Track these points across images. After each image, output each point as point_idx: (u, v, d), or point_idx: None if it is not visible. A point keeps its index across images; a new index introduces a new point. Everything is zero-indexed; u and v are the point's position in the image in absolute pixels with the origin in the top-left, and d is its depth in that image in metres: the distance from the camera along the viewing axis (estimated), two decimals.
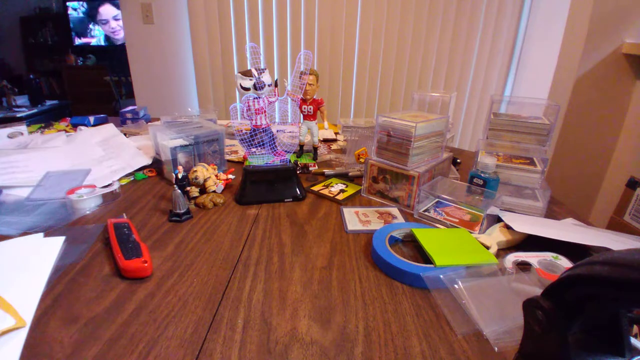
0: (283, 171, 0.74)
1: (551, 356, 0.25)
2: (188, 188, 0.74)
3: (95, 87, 3.78)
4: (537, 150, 0.78)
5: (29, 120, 2.74)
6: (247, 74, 0.70)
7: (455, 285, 0.47)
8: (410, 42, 1.99)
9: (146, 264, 0.49)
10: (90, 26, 3.87)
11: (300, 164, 0.91)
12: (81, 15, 3.83)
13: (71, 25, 3.84)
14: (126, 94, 3.47)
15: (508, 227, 0.61)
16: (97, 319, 0.42)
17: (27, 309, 0.43)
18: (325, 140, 1.19)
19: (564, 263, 0.53)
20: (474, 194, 0.72)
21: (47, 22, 3.91)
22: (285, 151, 0.77)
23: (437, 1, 1.91)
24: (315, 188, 0.80)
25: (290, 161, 0.76)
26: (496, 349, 0.39)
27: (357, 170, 0.88)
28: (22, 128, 0.99)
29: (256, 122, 0.74)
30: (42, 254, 0.53)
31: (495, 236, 0.60)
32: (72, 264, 0.52)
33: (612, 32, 1.59)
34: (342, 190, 0.80)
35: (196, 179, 0.73)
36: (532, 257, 0.54)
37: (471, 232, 0.61)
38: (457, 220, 0.67)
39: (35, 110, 2.93)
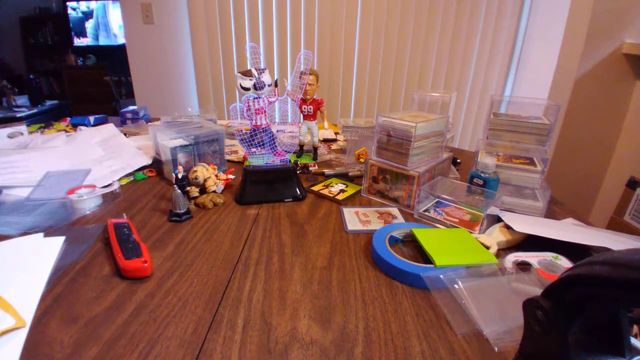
0: (283, 171, 0.74)
1: (551, 356, 0.25)
2: (188, 188, 0.74)
3: (95, 87, 3.78)
4: (537, 150, 0.78)
5: (29, 120, 2.74)
6: (247, 74, 0.70)
7: (455, 285, 0.47)
8: (410, 42, 1.99)
9: (146, 264, 0.49)
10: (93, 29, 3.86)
11: (300, 164, 0.91)
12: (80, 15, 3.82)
13: (71, 25, 3.83)
14: (126, 94, 3.46)
15: (508, 227, 0.61)
16: (97, 319, 0.42)
17: (27, 309, 0.43)
18: (325, 140, 1.19)
19: (564, 263, 0.53)
20: (474, 194, 0.72)
21: (47, 22, 3.91)
22: (285, 151, 0.77)
23: (437, 1, 1.91)
24: (315, 188, 0.80)
25: (290, 161, 0.76)
26: (496, 349, 0.39)
27: (357, 170, 0.88)
28: (22, 128, 0.99)
29: (256, 122, 0.74)
30: (42, 254, 0.53)
31: (495, 236, 0.60)
32: (72, 264, 0.52)
33: (612, 32, 1.59)
34: (342, 190, 0.80)
35: (196, 179, 0.73)
36: (532, 257, 0.54)
37: (471, 232, 0.61)
38: (457, 220, 0.67)
39: (35, 110, 2.93)
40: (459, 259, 0.52)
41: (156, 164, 0.90)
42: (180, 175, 0.72)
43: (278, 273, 0.52)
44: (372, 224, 0.66)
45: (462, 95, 2.09)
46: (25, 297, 0.44)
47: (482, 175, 0.71)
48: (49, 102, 3.19)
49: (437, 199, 0.74)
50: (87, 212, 0.68)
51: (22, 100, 3.05)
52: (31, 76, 3.34)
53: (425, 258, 0.54)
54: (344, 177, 0.88)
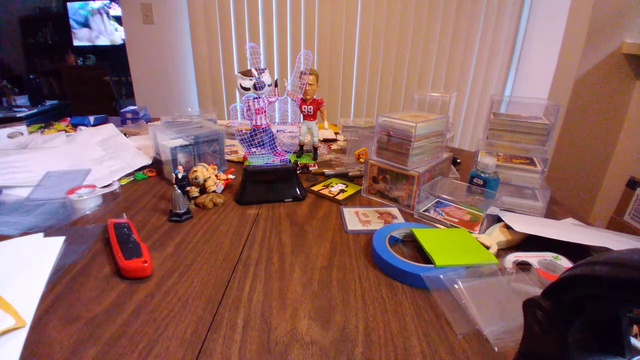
0: (283, 171, 0.74)
1: (551, 356, 0.25)
2: (188, 188, 0.74)
3: (95, 87, 3.78)
4: (537, 150, 0.78)
5: (29, 120, 2.75)
6: (247, 74, 0.70)
7: (455, 285, 0.47)
8: (410, 42, 1.99)
9: (146, 264, 0.49)
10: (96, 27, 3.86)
11: (300, 164, 0.91)
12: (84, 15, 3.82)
13: (71, 25, 3.83)
14: (126, 94, 3.46)
15: (508, 227, 0.61)
16: (97, 319, 0.42)
17: (27, 309, 0.43)
18: (325, 140, 1.19)
19: (564, 263, 0.53)
20: (474, 194, 0.72)
21: (47, 22, 3.91)
22: (285, 151, 0.77)
23: (437, 1, 1.91)
24: (315, 188, 0.80)
25: (290, 161, 0.76)
26: (496, 349, 0.39)
27: (357, 170, 0.88)
28: (22, 128, 0.99)
29: (256, 122, 0.74)
30: (42, 254, 0.53)
31: (495, 236, 0.60)
32: (72, 264, 0.52)
33: (612, 32, 1.59)
34: (342, 190, 0.80)
35: (196, 179, 0.73)
36: (532, 257, 0.54)
37: (471, 232, 0.61)
38: (457, 220, 0.67)
39: (35, 110, 2.94)
40: (459, 259, 0.52)
41: (156, 164, 0.90)
42: (180, 175, 0.72)
43: (278, 273, 0.52)
44: (372, 224, 0.66)
45: (462, 95, 2.09)
46: (25, 297, 0.44)
47: (482, 175, 0.71)
48: (49, 102, 3.19)
49: (437, 199, 0.74)
50: (87, 212, 0.68)
51: (22, 100, 3.05)
52: (31, 76, 3.35)
53: (425, 258, 0.54)
54: (344, 177, 0.88)
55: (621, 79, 1.65)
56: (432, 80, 2.08)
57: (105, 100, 3.69)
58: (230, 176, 0.81)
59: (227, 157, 0.98)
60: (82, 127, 1.05)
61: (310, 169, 0.91)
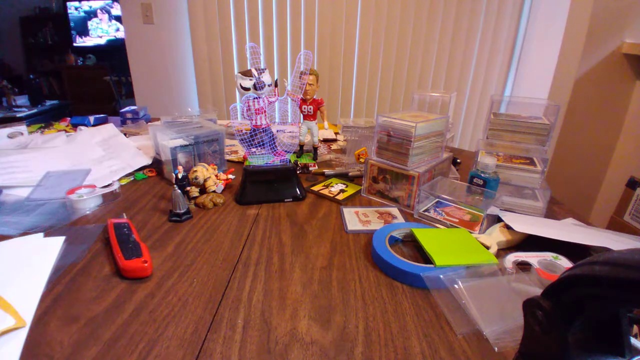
0: (283, 171, 0.74)
1: (551, 356, 0.25)
2: (188, 188, 0.74)
3: (95, 87, 3.78)
4: (537, 150, 0.78)
5: (29, 120, 2.74)
6: (247, 74, 0.70)
7: (455, 285, 0.47)
8: (410, 42, 1.99)
9: (146, 264, 0.49)
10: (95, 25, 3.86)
11: (300, 164, 0.91)
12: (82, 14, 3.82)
13: (71, 24, 3.83)
14: (126, 94, 3.46)
15: (508, 227, 0.61)
16: (97, 319, 0.42)
17: (27, 309, 0.43)
18: (325, 140, 1.19)
19: (564, 263, 0.53)
20: (474, 194, 0.72)
21: (47, 22, 3.91)
22: (285, 151, 0.77)
23: (437, 1, 1.91)
24: (315, 188, 0.80)
25: (290, 161, 0.76)
26: (496, 349, 0.39)
27: (357, 170, 0.88)
28: (22, 128, 0.99)
29: (256, 122, 0.74)
30: (42, 254, 0.53)
31: (495, 236, 0.60)
32: (72, 264, 0.52)
33: (612, 32, 1.59)
34: (342, 190, 0.80)
35: (196, 179, 0.73)
36: (532, 257, 0.54)
37: (471, 232, 0.61)
38: (457, 220, 0.67)
39: (35, 110, 2.94)
40: (459, 259, 0.52)
41: (156, 164, 0.90)
42: (180, 175, 0.72)
43: (278, 273, 0.52)
44: (372, 224, 0.66)
45: (462, 95, 2.09)
46: (25, 297, 0.44)
47: (482, 175, 0.71)
48: (49, 102, 3.19)
49: (437, 199, 0.74)
50: (87, 212, 0.68)
51: (22, 100, 3.05)
52: (31, 76, 3.35)
53: (425, 258, 0.54)
54: (344, 177, 0.88)
55: (621, 79, 1.65)
56: (432, 80, 2.08)
57: (105, 100, 3.69)
58: (230, 176, 0.81)
59: (227, 157, 0.98)
60: (82, 127, 1.05)
61: (310, 169, 0.91)
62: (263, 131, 0.74)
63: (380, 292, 0.48)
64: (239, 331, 0.41)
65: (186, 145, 0.81)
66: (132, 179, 0.84)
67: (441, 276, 0.48)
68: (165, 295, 0.46)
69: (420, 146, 0.71)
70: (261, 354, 0.38)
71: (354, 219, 0.68)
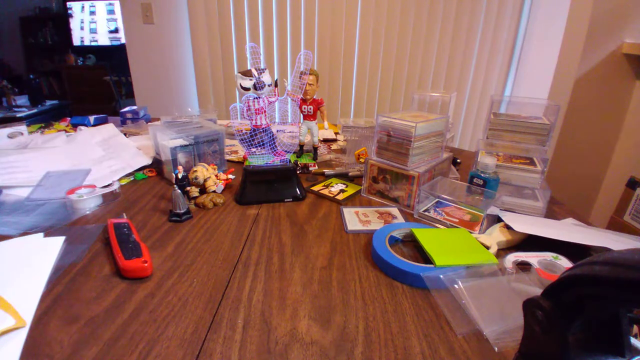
0: (283, 171, 0.74)
1: (551, 356, 0.25)
2: (188, 188, 0.74)
3: (95, 87, 3.78)
4: (537, 150, 0.78)
5: (29, 120, 2.74)
6: (247, 74, 0.70)
7: (455, 285, 0.47)
8: (410, 42, 1.99)
9: (146, 264, 0.49)
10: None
11: (300, 164, 0.91)
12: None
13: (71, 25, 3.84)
14: (126, 94, 3.47)
15: (508, 227, 0.61)
16: (97, 319, 0.42)
17: (27, 309, 0.43)
18: (325, 140, 1.19)
19: (564, 263, 0.53)
20: (474, 194, 0.72)
21: (47, 22, 3.91)
22: (285, 151, 0.77)
23: (437, 1, 1.91)
24: (315, 188, 0.80)
25: (290, 161, 0.76)
26: (496, 349, 0.39)
27: (357, 170, 0.88)
28: (22, 128, 0.99)
29: (256, 122, 0.74)
30: (42, 254, 0.53)
31: (495, 236, 0.60)
32: (72, 264, 0.52)
33: (612, 32, 1.59)
34: (342, 190, 0.80)
35: (196, 179, 0.73)
36: (532, 257, 0.54)
37: (471, 232, 0.61)
38: (457, 220, 0.67)
39: (35, 110, 2.93)
40: (459, 259, 0.52)
41: (156, 164, 0.90)
42: (180, 175, 0.72)
43: (278, 273, 0.52)
44: (372, 224, 0.66)
45: (462, 95, 2.09)
46: (25, 297, 0.44)
47: (482, 175, 0.71)
48: (49, 102, 3.19)
49: (437, 199, 0.74)
50: (87, 212, 0.68)
51: (22, 100, 3.05)
52: (31, 76, 3.34)
53: (425, 258, 0.54)
54: (344, 177, 0.88)
55: (621, 79, 1.65)
56: (432, 80, 2.08)
57: (105, 100, 3.69)
58: (230, 176, 0.81)
59: (227, 157, 0.98)
60: (82, 127, 1.05)
61: (310, 169, 0.91)
62: (263, 131, 0.74)
63: (380, 292, 0.48)
64: (239, 331, 0.41)
65: (186, 145, 0.81)
66: (132, 179, 0.84)
67: (441, 276, 0.48)
68: (165, 295, 0.46)
69: (420, 146, 0.71)
70: (261, 354, 0.38)
71: (354, 219, 0.68)
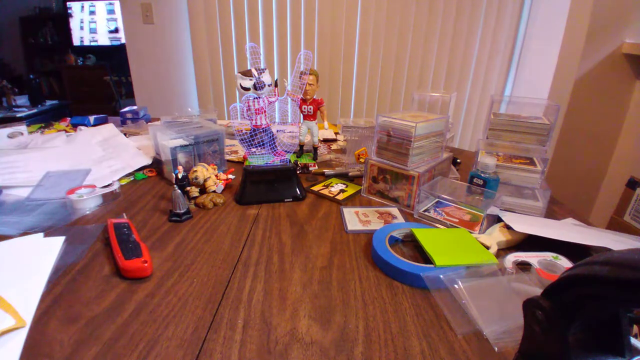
0: (283, 171, 0.74)
1: (551, 356, 0.25)
2: (188, 188, 0.74)
3: (95, 87, 3.78)
4: (537, 150, 0.78)
5: (29, 120, 2.74)
6: (247, 74, 0.70)
7: (455, 285, 0.47)
8: (410, 42, 1.99)
9: (146, 264, 0.49)
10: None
11: (300, 164, 0.91)
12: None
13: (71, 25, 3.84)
14: (126, 94, 3.46)
15: (508, 227, 0.61)
16: (97, 319, 0.42)
17: (27, 309, 0.43)
18: (325, 140, 1.19)
19: (564, 263, 0.53)
20: (474, 194, 0.72)
21: (47, 22, 3.91)
22: (285, 151, 0.77)
23: (437, 1, 1.91)
24: (315, 188, 0.80)
25: (290, 161, 0.76)
26: (496, 349, 0.39)
27: (357, 170, 0.88)
28: (22, 128, 0.99)
29: (256, 122, 0.74)
30: (42, 254, 0.53)
31: (495, 236, 0.60)
32: (72, 264, 0.52)
33: (612, 32, 1.59)
34: (342, 190, 0.80)
35: (196, 179, 0.73)
36: (532, 257, 0.54)
37: (471, 232, 0.61)
38: (457, 220, 0.67)
39: (35, 110, 2.93)
40: (459, 259, 0.52)
41: (156, 164, 0.90)
42: (180, 175, 0.72)
43: (278, 273, 0.52)
44: (372, 224, 0.66)
45: (462, 95, 2.09)
46: (25, 297, 0.44)
47: (482, 175, 0.71)
48: (49, 102, 3.18)
49: (437, 199, 0.74)
50: (87, 212, 0.68)
51: (22, 100, 3.05)
52: (31, 76, 3.34)
53: (425, 258, 0.54)
54: (344, 177, 0.88)
55: (621, 79, 1.65)
56: (432, 80, 2.08)
57: (105, 100, 3.69)
58: (230, 176, 0.81)
59: (227, 157, 0.98)
60: (82, 127, 1.05)
61: (310, 169, 0.91)
62: (263, 131, 0.74)
63: (380, 292, 0.48)
64: (239, 331, 0.41)
65: (186, 145, 0.81)
66: (132, 179, 0.84)
67: (441, 276, 0.48)
68: (165, 295, 0.46)
69: (420, 146, 0.71)
70: (261, 354, 0.38)
71: (354, 219, 0.68)
